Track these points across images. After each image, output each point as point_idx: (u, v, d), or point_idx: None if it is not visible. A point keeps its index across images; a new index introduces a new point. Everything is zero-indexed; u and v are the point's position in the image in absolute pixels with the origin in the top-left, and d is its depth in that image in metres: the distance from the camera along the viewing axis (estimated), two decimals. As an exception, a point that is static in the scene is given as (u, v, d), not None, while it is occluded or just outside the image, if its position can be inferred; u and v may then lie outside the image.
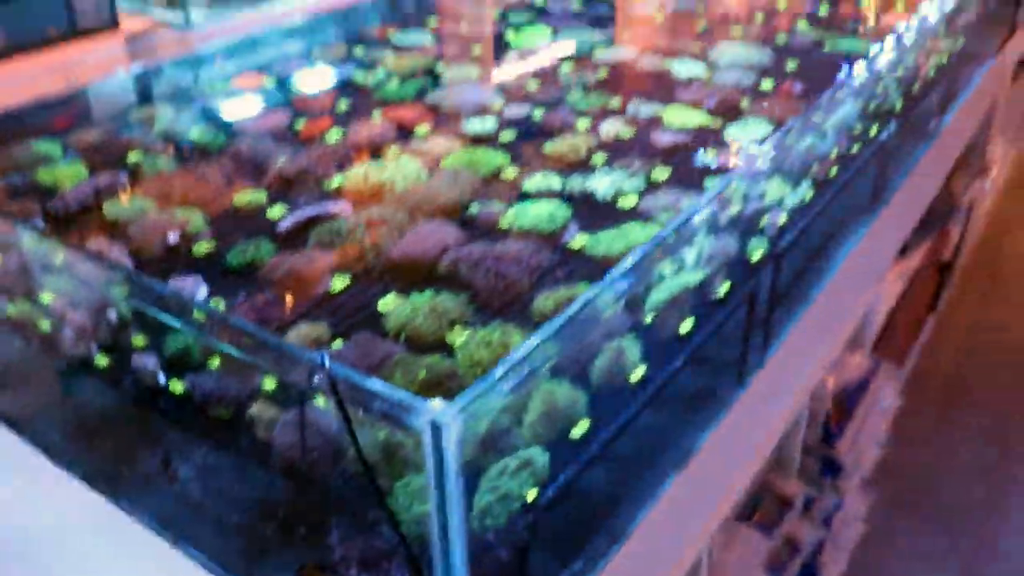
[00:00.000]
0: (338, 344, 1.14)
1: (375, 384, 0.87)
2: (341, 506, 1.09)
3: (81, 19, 2.81)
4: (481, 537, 1.04)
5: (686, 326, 1.34)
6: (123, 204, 1.41)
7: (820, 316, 1.96)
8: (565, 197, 1.47)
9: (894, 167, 2.37)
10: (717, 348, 1.59)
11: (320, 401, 1.03)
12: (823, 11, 2.58)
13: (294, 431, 1.07)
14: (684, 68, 2.03)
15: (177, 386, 1.18)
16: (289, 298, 1.20)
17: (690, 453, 1.43)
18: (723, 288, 1.45)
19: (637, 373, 1.23)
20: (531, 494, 1.04)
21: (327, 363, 0.89)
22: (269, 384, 1.12)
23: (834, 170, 1.87)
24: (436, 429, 0.84)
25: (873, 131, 2.08)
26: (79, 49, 2.56)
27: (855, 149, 1.99)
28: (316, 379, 0.92)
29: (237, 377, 1.16)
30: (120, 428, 1.26)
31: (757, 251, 1.53)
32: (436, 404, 0.84)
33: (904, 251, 3.20)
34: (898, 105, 2.24)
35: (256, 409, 1.13)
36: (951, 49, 2.75)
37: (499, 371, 0.90)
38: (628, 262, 1.09)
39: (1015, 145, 5.21)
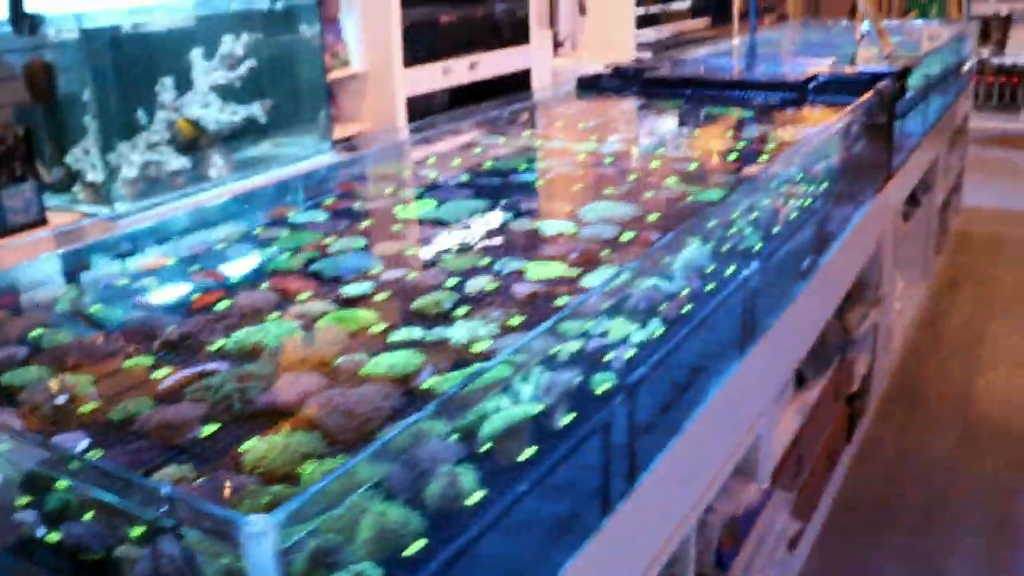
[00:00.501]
0: (199, 481, 1.28)
1: (205, 505, 1.02)
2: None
3: (11, 216, 3.02)
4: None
5: (529, 454, 1.49)
6: (19, 374, 1.57)
7: (693, 447, 2.11)
8: (425, 346, 1.65)
9: (765, 305, 2.55)
10: (578, 477, 1.73)
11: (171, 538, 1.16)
12: (692, 167, 2.84)
13: (152, 566, 1.20)
14: (552, 227, 2.25)
15: (54, 536, 1.31)
16: (159, 444, 1.34)
17: (553, 577, 1.54)
18: (567, 418, 1.61)
19: (476, 499, 1.37)
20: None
21: (166, 491, 1.04)
22: (134, 527, 1.25)
23: (688, 308, 2.05)
24: (254, 539, 0.98)
25: (730, 271, 2.28)
26: (6, 243, 2.74)
27: (711, 288, 2.18)
28: (160, 510, 1.07)
29: (107, 523, 1.29)
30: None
31: (604, 384, 1.70)
32: (254, 517, 0.98)
33: (802, 384, 3.37)
34: (758, 247, 2.45)
35: (122, 551, 1.26)
36: (819, 193, 2.99)
37: (315, 488, 1.05)
38: (448, 394, 1.25)
39: (922, 279, 5.49)
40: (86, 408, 1.47)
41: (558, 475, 1.62)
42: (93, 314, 1.90)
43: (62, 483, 1.29)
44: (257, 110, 3.90)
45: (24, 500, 1.36)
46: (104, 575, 1.28)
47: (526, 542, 1.59)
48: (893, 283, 4.45)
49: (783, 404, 3.16)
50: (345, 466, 1.09)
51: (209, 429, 1.40)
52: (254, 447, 1.31)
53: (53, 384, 1.52)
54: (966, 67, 6.75)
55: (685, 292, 2.07)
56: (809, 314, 3.01)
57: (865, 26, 3.98)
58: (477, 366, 1.49)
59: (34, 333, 1.78)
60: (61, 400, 1.46)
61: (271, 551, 0.98)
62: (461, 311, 1.80)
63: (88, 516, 1.31)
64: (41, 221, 3.24)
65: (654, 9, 7.82)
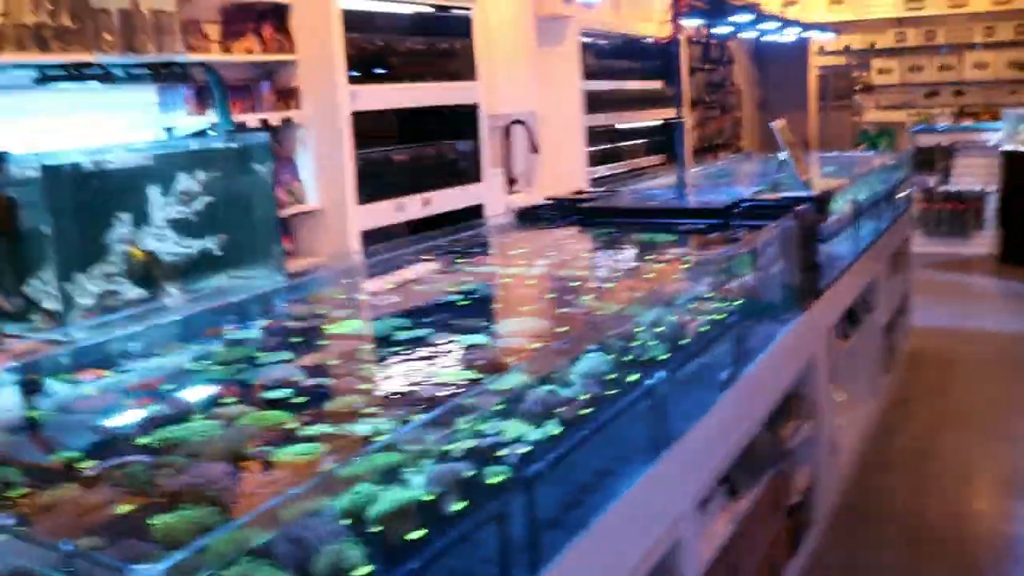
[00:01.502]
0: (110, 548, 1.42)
1: (101, 558, 1.16)
2: None
3: (-32, 342, 3.15)
4: None
5: (418, 536, 1.63)
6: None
7: (600, 544, 2.22)
8: (331, 439, 1.80)
9: (679, 412, 2.70)
10: (477, 563, 1.86)
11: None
12: (609, 286, 3.04)
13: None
14: (468, 339, 2.43)
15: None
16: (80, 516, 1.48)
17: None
18: (460, 506, 1.75)
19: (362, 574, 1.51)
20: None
21: (67, 548, 1.18)
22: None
23: (588, 411, 2.21)
24: (142, 585, 1.12)
25: (634, 379, 2.44)
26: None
27: (613, 393, 2.34)
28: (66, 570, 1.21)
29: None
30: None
31: (498, 477, 1.84)
32: (142, 566, 1.12)
33: (734, 492, 3.49)
34: (664, 357, 2.62)
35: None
36: (735, 309, 3.17)
37: (201, 542, 1.19)
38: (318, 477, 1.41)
39: (870, 396, 5.65)
40: (14, 493, 1.61)
41: (454, 560, 1.75)
42: (35, 416, 2.05)
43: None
44: (211, 243, 4.10)
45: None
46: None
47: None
48: (830, 398, 4.61)
49: (714, 512, 3.28)
50: (231, 526, 1.24)
51: (125, 507, 1.54)
52: (162, 520, 1.45)
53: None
54: (902, 193, 7.07)
55: (585, 396, 2.23)
56: (730, 423, 3.16)
57: (782, 155, 4.25)
58: (381, 458, 1.64)
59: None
60: (-10, 488, 1.60)
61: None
62: (369, 410, 1.95)
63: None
64: (-1, 349, 3.38)
65: (609, 147, 8.18)
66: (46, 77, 3.90)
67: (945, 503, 4.72)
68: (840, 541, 4.39)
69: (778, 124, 4.28)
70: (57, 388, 2.31)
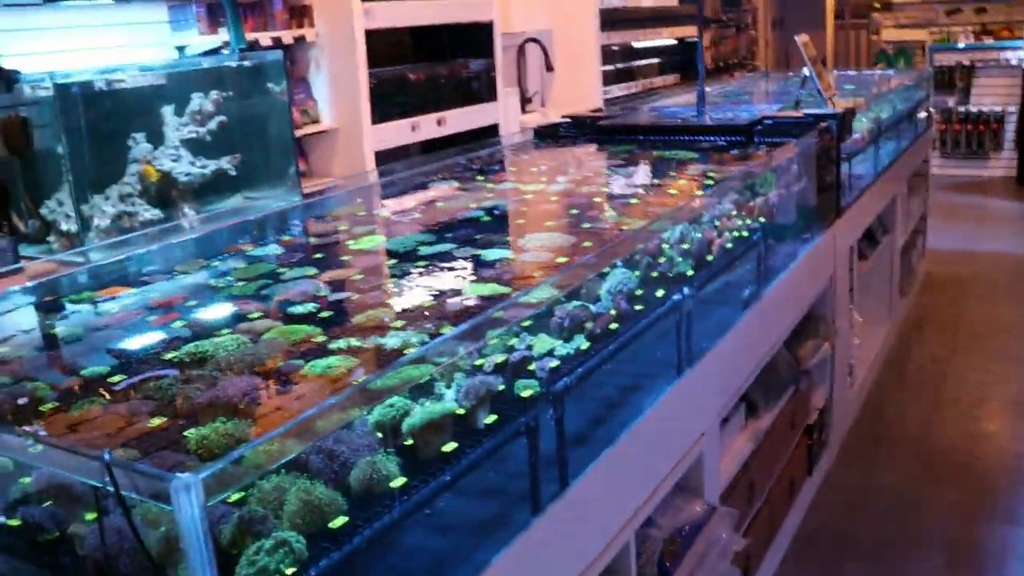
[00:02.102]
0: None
1: (141, 467, 1.15)
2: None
3: (-14, 265, 3.15)
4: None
5: (451, 449, 1.63)
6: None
7: (627, 459, 2.23)
8: (359, 352, 1.78)
9: (703, 330, 2.69)
10: (506, 478, 1.85)
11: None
12: (632, 202, 3.00)
13: (99, 538, 1.32)
14: (493, 254, 2.40)
15: (14, 521, 1.43)
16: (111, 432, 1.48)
17: (480, 571, 1.65)
18: (490, 419, 1.74)
19: (398, 486, 1.50)
20: (289, 571, 1.29)
21: (108, 457, 1.17)
22: (85, 508, 1.38)
23: (615, 327, 2.19)
24: (183, 491, 1.11)
25: (660, 295, 2.42)
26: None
27: (640, 310, 2.32)
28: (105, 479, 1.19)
29: (60, 506, 1.42)
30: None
31: (528, 391, 1.83)
32: (182, 474, 1.11)
33: (754, 411, 3.49)
34: (690, 273, 2.59)
35: (74, 528, 1.38)
36: (758, 226, 3.14)
37: (237, 453, 1.18)
38: (368, 381, 1.39)
39: (886, 319, 5.63)
40: (45, 407, 1.60)
41: (485, 473, 1.74)
42: (58, 334, 2.04)
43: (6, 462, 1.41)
44: (227, 164, 4.06)
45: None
46: (59, 553, 1.41)
47: (452, 536, 1.71)
48: (848, 318, 4.59)
49: (734, 429, 3.29)
50: (265, 437, 1.22)
51: (157, 421, 1.53)
52: (195, 432, 1.44)
53: (15, 388, 1.65)
54: (922, 113, 6.98)
55: (612, 312, 2.21)
56: (752, 342, 3.15)
57: (806, 70, 4.17)
58: (411, 371, 1.62)
59: (1, 351, 1.92)
60: (22, 401, 1.59)
61: (198, 505, 1.11)
62: (397, 324, 1.93)
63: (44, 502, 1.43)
64: (17, 269, 3.37)
65: (623, 66, 8.06)
66: (55, -7, 3.83)
67: (958, 425, 4.73)
68: (854, 462, 4.40)
69: (802, 39, 4.19)
70: (79, 307, 2.29)
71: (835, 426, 4.43)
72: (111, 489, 1.19)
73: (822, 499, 4.10)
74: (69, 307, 2.29)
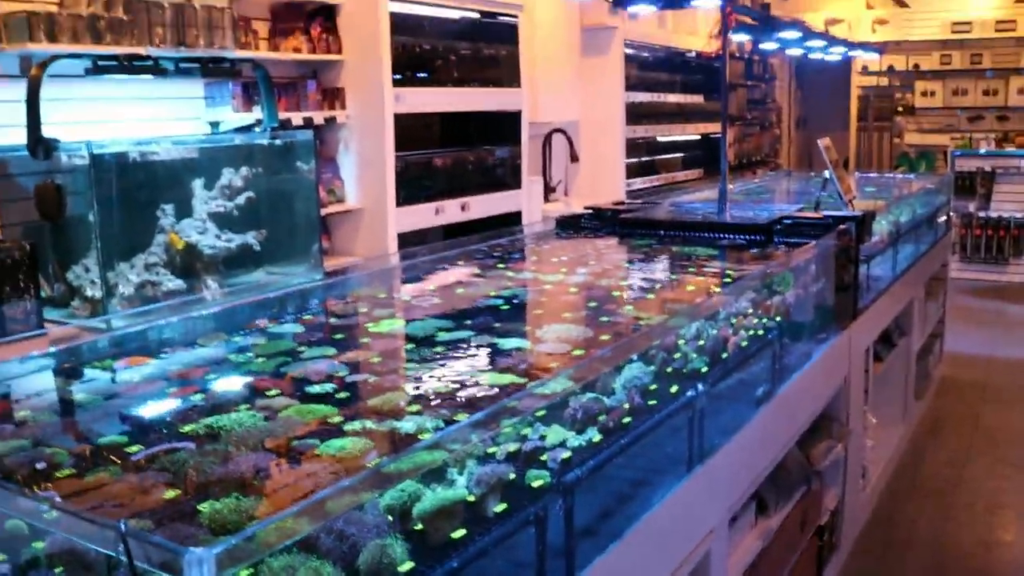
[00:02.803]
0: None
1: (155, 539, 1.17)
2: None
3: (11, 325, 3.21)
4: None
5: (459, 535, 1.64)
6: (5, 444, 1.74)
7: (635, 553, 2.23)
8: (374, 434, 1.81)
9: (715, 426, 2.70)
10: (514, 568, 1.86)
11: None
12: (650, 298, 3.04)
13: (111, 606, 1.34)
14: (509, 343, 2.43)
15: (27, 585, 1.45)
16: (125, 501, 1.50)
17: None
18: (500, 507, 1.75)
19: (406, 571, 1.51)
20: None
21: (124, 527, 1.19)
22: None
23: (627, 420, 2.21)
24: (195, 565, 1.13)
25: (674, 391, 2.44)
26: (6, 350, 2.92)
27: (653, 404, 2.34)
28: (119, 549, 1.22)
29: (73, 571, 1.44)
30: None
31: (538, 480, 1.85)
32: (196, 549, 1.13)
33: (764, 510, 3.48)
34: (704, 370, 2.61)
35: (86, 596, 1.40)
36: (774, 325, 3.16)
37: (251, 530, 1.20)
38: (381, 465, 1.41)
39: (901, 421, 5.61)
40: (62, 473, 1.63)
41: (493, 561, 1.75)
42: (78, 400, 2.07)
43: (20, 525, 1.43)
44: (252, 238, 4.12)
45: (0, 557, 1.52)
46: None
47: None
48: (862, 420, 4.58)
49: (743, 527, 3.27)
50: (278, 516, 1.24)
51: (171, 493, 1.55)
52: (208, 507, 1.46)
53: (33, 453, 1.68)
54: (942, 217, 7.03)
55: (626, 406, 2.23)
56: (765, 440, 3.15)
57: (827, 173, 4.23)
58: (424, 456, 1.65)
59: (22, 414, 1.95)
60: (40, 466, 1.62)
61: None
62: (413, 408, 1.96)
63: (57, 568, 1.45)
64: (40, 333, 3.42)
65: (647, 159, 8.18)
66: (98, 67, 3.94)
67: (972, 532, 4.68)
68: (865, 566, 4.36)
69: (824, 142, 4.26)
70: (99, 374, 2.33)
71: (846, 529, 4.39)
72: (124, 559, 1.21)
73: (831, 605, 4.06)
74: (90, 373, 2.33)
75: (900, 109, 12.01)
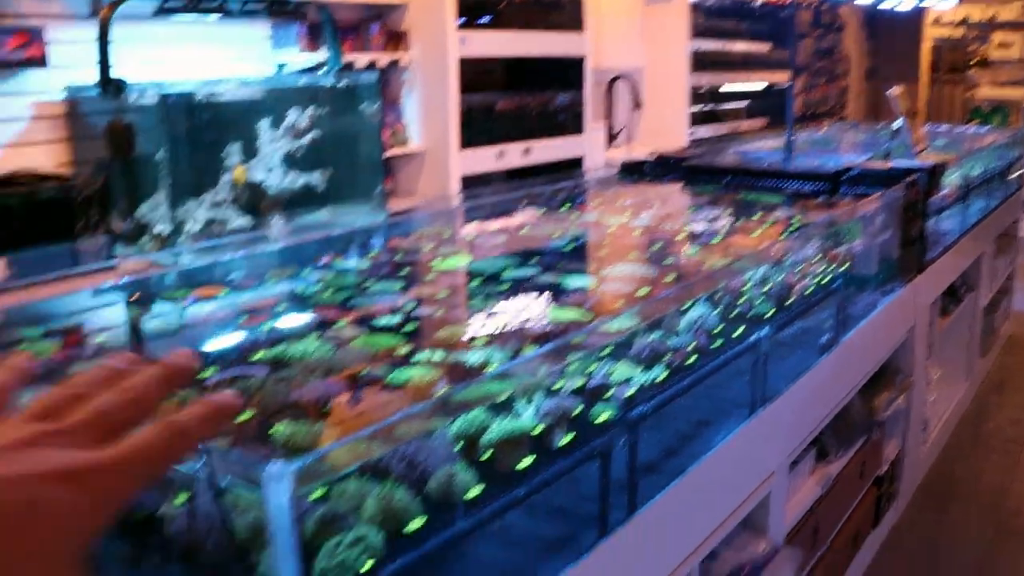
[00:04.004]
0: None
1: (237, 454, 1.20)
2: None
3: (84, 260, 3.27)
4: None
5: (526, 465, 1.66)
6: (85, 367, 1.78)
7: (696, 491, 2.24)
8: (442, 365, 1.83)
9: (779, 371, 2.69)
10: (577, 500, 1.88)
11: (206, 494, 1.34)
12: (716, 240, 3.02)
13: (187, 520, 1.38)
14: (574, 281, 2.44)
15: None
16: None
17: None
18: (566, 439, 1.77)
19: (473, 497, 1.54)
20: (367, 565, 1.33)
21: (203, 445, 1.22)
22: (178, 492, 1.43)
23: (693, 360, 2.21)
24: (275, 480, 1.16)
25: (739, 333, 2.44)
26: (79, 282, 2.98)
27: (718, 345, 2.34)
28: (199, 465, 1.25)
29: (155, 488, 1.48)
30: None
31: (604, 415, 1.86)
32: (276, 463, 1.16)
33: (824, 456, 3.47)
34: (769, 314, 2.60)
35: (164, 510, 1.44)
36: (841, 274, 3.14)
37: (323, 449, 1.23)
38: (450, 393, 1.43)
39: (964, 378, 5.54)
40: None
41: (556, 493, 1.77)
42: (151, 328, 2.12)
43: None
44: (317, 179, 4.16)
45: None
46: (146, 533, 1.47)
47: (520, 551, 1.74)
48: (925, 373, 4.54)
49: (803, 472, 3.27)
50: (353, 436, 1.27)
51: (244, 416, 1.58)
52: (281, 429, 1.49)
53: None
54: (1015, 174, 6.87)
55: (691, 347, 2.23)
56: (828, 387, 3.14)
57: (897, 123, 4.16)
58: (493, 385, 1.66)
59: (98, 340, 2.00)
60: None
61: (288, 494, 1.16)
62: (479, 342, 1.98)
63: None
64: (111, 268, 3.49)
65: (711, 108, 8.08)
66: (166, 8, 3.97)
67: (1034, 491, 4.63)
68: (922, 519, 4.33)
69: (896, 90, 4.18)
70: (170, 305, 2.38)
71: (905, 480, 4.37)
72: (204, 474, 1.24)
73: (887, 553, 4.04)
74: (161, 304, 2.38)
75: (974, 61, 11.71)
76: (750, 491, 2.57)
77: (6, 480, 0.49)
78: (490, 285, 2.45)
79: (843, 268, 3.24)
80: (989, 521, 4.32)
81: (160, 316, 2.30)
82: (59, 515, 0.49)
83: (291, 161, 4.14)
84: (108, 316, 2.36)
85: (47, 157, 3.82)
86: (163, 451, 0.55)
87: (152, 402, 0.59)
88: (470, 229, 3.38)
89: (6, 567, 0.46)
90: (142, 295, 2.45)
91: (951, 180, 4.83)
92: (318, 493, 1.40)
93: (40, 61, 3.72)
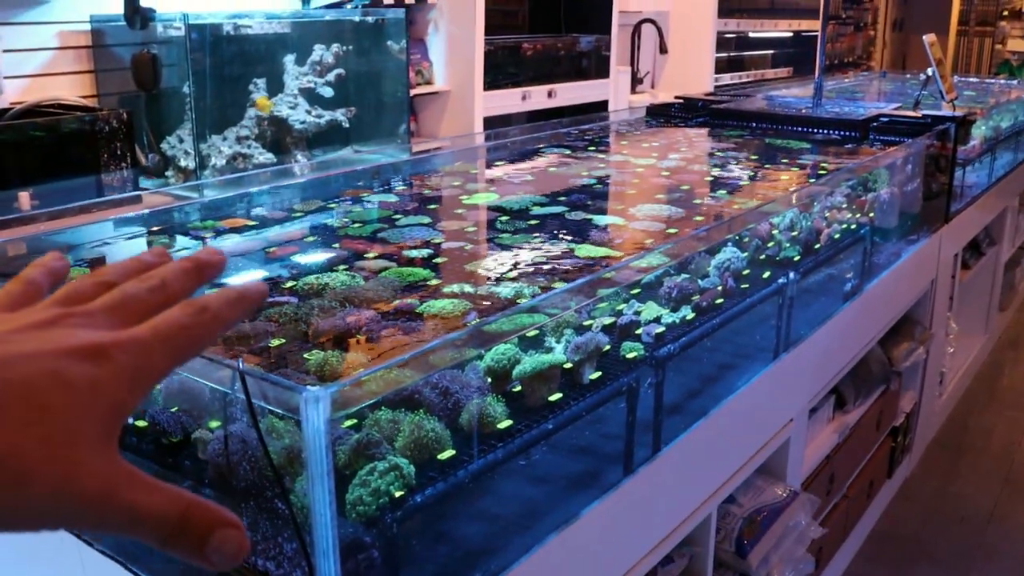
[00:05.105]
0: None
1: (273, 377, 1.21)
2: (256, 502, 1.40)
3: (108, 193, 3.28)
4: (355, 528, 1.34)
5: (555, 398, 1.67)
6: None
7: (718, 434, 2.25)
8: (473, 297, 1.83)
9: (803, 317, 2.69)
10: (603, 438, 1.89)
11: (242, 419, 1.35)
12: (743, 183, 3.00)
13: (222, 444, 1.39)
14: (604, 219, 2.43)
15: (140, 423, 1.51)
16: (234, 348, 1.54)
17: (570, 521, 1.69)
18: (594, 375, 1.77)
19: (502, 428, 1.55)
20: (399, 493, 1.34)
21: (241, 365, 1.23)
22: (213, 416, 1.45)
23: (720, 301, 2.21)
24: (312, 403, 1.17)
25: (766, 277, 2.43)
26: (104, 213, 2.98)
27: (745, 288, 2.33)
28: (235, 387, 1.26)
29: (188, 409, 1.49)
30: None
31: (632, 352, 1.86)
32: (312, 387, 1.17)
33: (842, 405, 3.48)
34: (796, 258, 2.59)
35: (199, 433, 1.45)
36: (867, 222, 3.12)
37: (360, 374, 1.23)
38: (482, 323, 1.44)
39: (983, 332, 5.53)
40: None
41: (583, 430, 1.78)
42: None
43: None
44: (341, 116, 4.14)
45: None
46: (182, 456, 1.48)
47: (547, 486, 1.75)
48: (945, 326, 4.52)
49: (821, 420, 3.28)
50: (387, 363, 1.27)
51: (276, 341, 1.59)
52: (315, 355, 1.50)
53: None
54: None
55: (719, 288, 2.23)
56: (849, 335, 3.13)
57: (930, 71, 4.10)
58: (524, 318, 1.66)
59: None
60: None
61: (324, 418, 1.16)
62: (510, 275, 1.98)
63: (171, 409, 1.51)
64: (136, 199, 3.49)
65: (736, 54, 7.99)
66: (193, -64, 3.93)
67: (1047, 447, 4.64)
68: (935, 470, 4.35)
69: (929, 38, 4.12)
70: (199, 235, 2.38)
71: (920, 431, 4.38)
72: (240, 397, 1.25)
73: (899, 502, 4.07)
74: (191, 235, 2.39)
75: (1006, 13, 11.52)
76: (770, 436, 2.58)
77: (29, 355, 0.49)
78: (519, 221, 2.45)
79: (870, 215, 3.22)
80: (998, 473, 4.33)
81: (188, 246, 2.31)
82: (83, 389, 0.49)
83: (316, 97, 4.11)
84: (133, 246, 2.37)
85: (72, 88, 3.81)
86: (188, 330, 0.55)
87: (179, 292, 0.59)
88: (498, 167, 3.37)
89: (34, 440, 0.46)
90: (169, 226, 2.46)
91: (980, 132, 4.79)
92: (347, 423, 1.41)
93: (66, -11, 3.70)
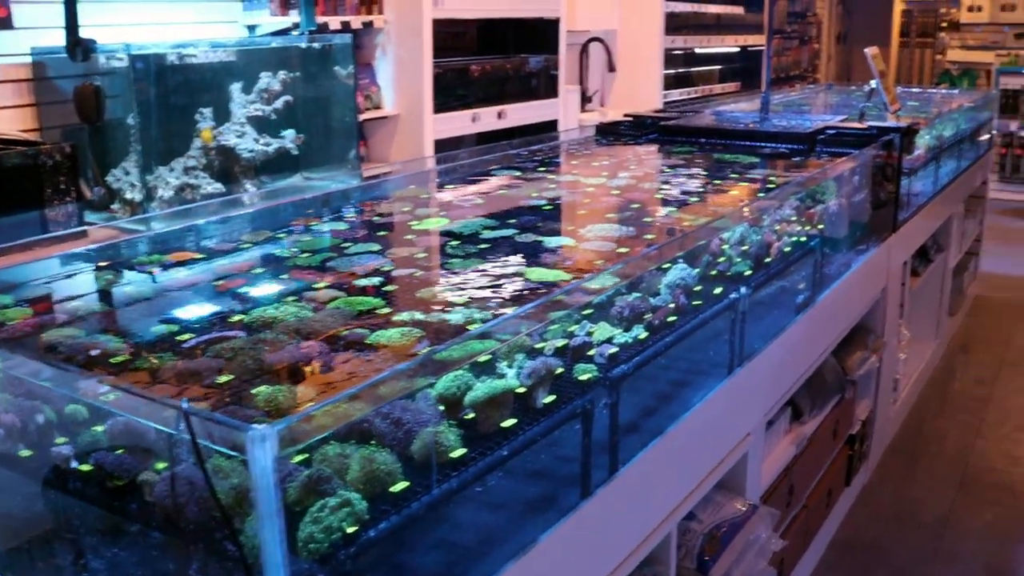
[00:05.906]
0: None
1: (218, 416, 1.19)
2: (206, 544, 1.37)
3: (53, 228, 3.23)
4: (309, 566, 1.31)
5: (509, 424, 1.66)
6: (58, 331, 1.76)
7: (675, 451, 2.25)
8: (423, 325, 1.82)
9: (756, 331, 2.70)
10: (558, 461, 1.88)
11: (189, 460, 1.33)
12: (692, 201, 3.02)
13: (168, 486, 1.36)
14: (554, 241, 2.43)
15: (84, 467, 1.48)
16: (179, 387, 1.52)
17: (528, 547, 1.68)
18: (548, 399, 1.77)
19: (456, 457, 1.53)
20: (351, 529, 1.32)
21: (185, 405, 1.21)
22: (159, 457, 1.42)
23: (673, 319, 2.21)
24: (258, 442, 1.14)
25: (718, 293, 2.44)
26: (48, 249, 2.93)
27: (697, 305, 2.34)
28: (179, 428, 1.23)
29: (133, 453, 1.46)
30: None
31: (586, 374, 1.86)
32: (259, 425, 1.15)
33: (799, 416, 3.50)
34: (747, 273, 2.60)
35: (145, 475, 1.43)
36: (816, 234, 3.14)
37: (308, 409, 1.21)
38: (434, 352, 1.42)
39: (934, 337, 5.59)
40: (116, 359, 1.65)
41: (539, 454, 1.77)
42: (126, 295, 2.09)
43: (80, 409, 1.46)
44: (289, 143, 4.11)
45: (61, 439, 1.55)
46: (128, 499, 1.45)
47: (503, 513, 1.74)
48: (897, 332, 4.57)
49: (778, 432, 3.29)
50: (337, 396, 1.26)
51: (224, 378, 1.57)
52: (263, 391, 1.48)
53: (87, 341, 1.70)
54: (984, 136, 6.90)
55: (671, 306, 2.23)
56: (803, 347, 3.15)
57: (873, 83, 4.16)
58: (475, 344, 1.65)
59: (71, 306, 1.97)
60: (94, 352, 1.64)
61: (271, 456, 1.14)
62: (461, 301, 1.97)
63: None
64: (82, 234, 3.44)
65: (684, 70, 8.06)
66: (134, -33, 3.90)
67: (999, 447, 4.69)
68: (892, 476, 4.39)
69: (872, 51, 4.18)
70: (144, 270, 2.35)
71: (876, 439, 4.41)
72: (185, 438, 1.23)
73: (858, 510, 4.10)
74: (136, 270, 2.35)
75: (944, 25, 11.72)
76: (728, 451, 2.59)
77: None
78: (469, 245, 2.44)
79: (819, 227, 3.24)
80: (954, 477, 4.37)
81: (134, 282, 2.27)
82: None
83: (264, 125, 4.09)
84: (79, 282, 2.33)
85: (13, 122, 3.75)
86: None
87: None
88: (447, 191, 3.36)
89: None
90: (114, 261, 2.42)
91: (924, 141, 4.85)
92: (297, 459, 1.39)
93: (5, 22, 3.65)
